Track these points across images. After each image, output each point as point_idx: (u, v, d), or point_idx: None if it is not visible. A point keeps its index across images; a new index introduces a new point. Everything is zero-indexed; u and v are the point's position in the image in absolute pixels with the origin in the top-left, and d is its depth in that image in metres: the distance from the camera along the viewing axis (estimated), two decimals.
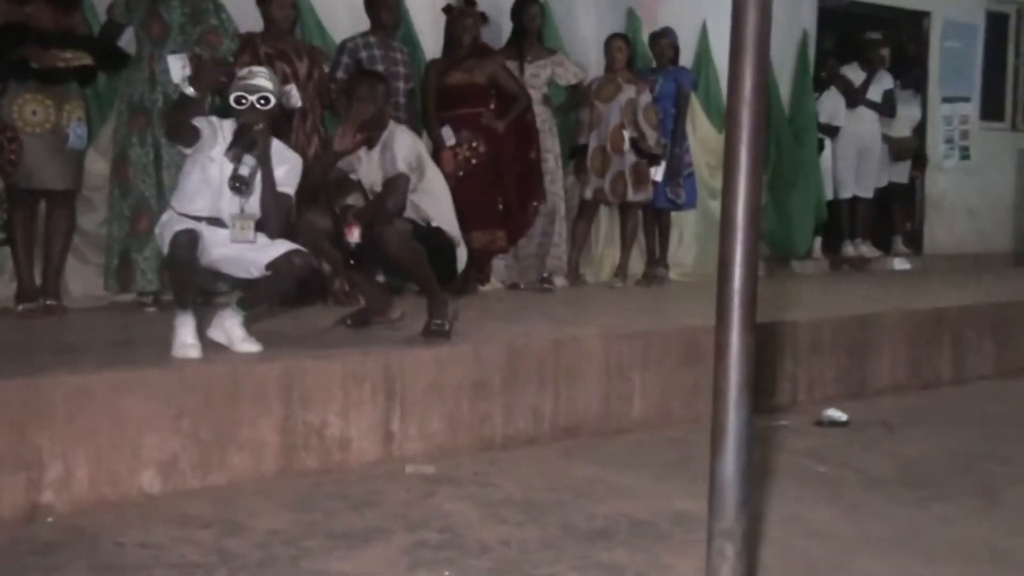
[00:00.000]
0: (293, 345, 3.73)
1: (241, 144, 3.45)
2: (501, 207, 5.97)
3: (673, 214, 7.08)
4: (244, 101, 3.51)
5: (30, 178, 4.60)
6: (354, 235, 3.92)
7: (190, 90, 3.50)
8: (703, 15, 7.42)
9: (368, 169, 4.16)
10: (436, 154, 5.84)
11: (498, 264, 6.34)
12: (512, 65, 6.13)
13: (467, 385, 3.74)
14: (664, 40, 6.91)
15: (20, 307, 4.63)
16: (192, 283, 3.55)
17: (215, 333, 3.58)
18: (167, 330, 3.49)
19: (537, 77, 6.29)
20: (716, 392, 1.90)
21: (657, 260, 7.03)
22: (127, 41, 4.98)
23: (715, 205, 6.87)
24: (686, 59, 7.26)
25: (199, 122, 3.57)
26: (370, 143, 4.09)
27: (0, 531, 2.76)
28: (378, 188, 4.12)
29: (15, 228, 4.65)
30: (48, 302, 4.70)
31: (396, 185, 3.96)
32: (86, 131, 4.76)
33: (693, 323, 4.48)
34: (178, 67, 4.78)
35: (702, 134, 7.36)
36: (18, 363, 3.24)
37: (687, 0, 7.43)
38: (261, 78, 3.57)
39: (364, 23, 5.66)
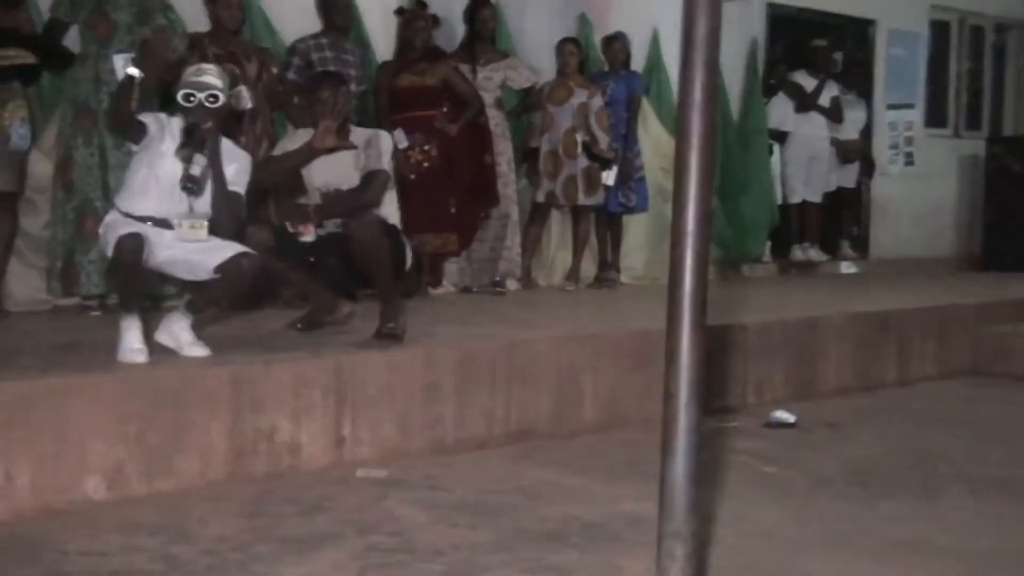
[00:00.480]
0: (242, 349, 3.69)
1: (191, 143, 3.40)
2: (453, 210, 5.97)
3: (625, 217, 7.12)
4: (193, 99, 3.46)
5: None
6: (310, 232, 3.89)
7: (134, 71, 3.44)
8: (654, 21, 7.48)
9: (328, 169, 4.11)
10: None
11: (450, 267, 6.34)
12: (465, 68, 6.14)
13: (419, 388, 3.72)
14: (616, 44, 6.96)
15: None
16: (137, 287, 3.49)
17: (163, 337, 3.53)
18: (113, 334, 3.43)
19: (490, 80, 6.30)
20: (666, 395, 1.91)
21: (609, 264, 7.07)
22: (72, 40, 4.90)
23: (668, 208, 6.89)
24: (637, 64, 7.32)
25: (147, 118, 3.51)
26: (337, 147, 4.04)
27: None
28: (343, 187, 4.08)
29: None
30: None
31: (377, 181, 3.95)
32: (29, 131, 4.67)
33: (644, 326, 4.50)
34: (122, 66, 4.70)
35: (655, 138, 7.42)
36: None
37: (638, 5, 7.48)
38: (210, 75, 3.52)
39: (315, 24, 5.63)
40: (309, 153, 3.98)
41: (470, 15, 6.33)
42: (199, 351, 3.49)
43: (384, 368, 3.66)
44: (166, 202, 3.46)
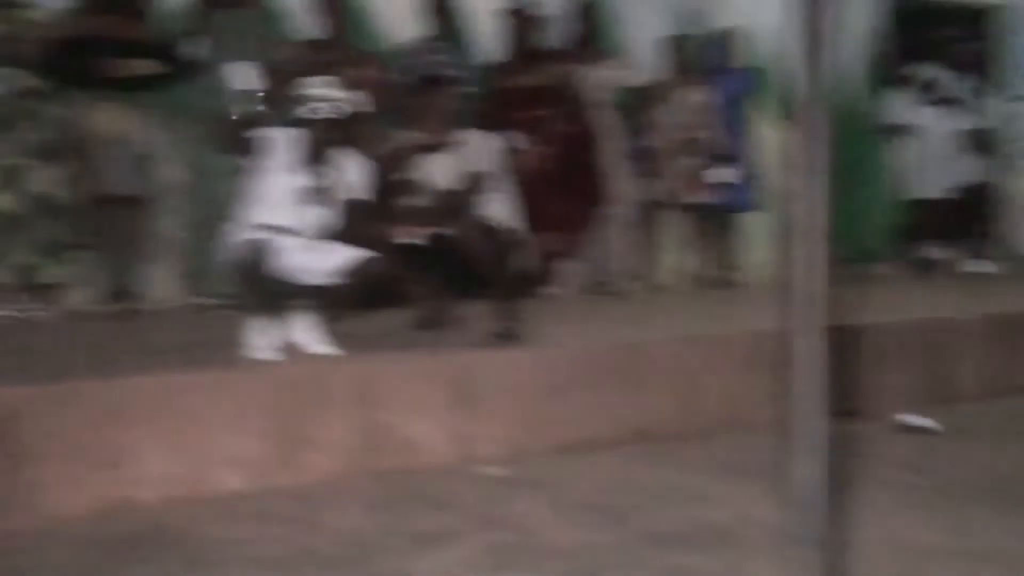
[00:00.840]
0: (367, 347, 3.76)
1: (313, 154, 3.49)
2: (567, 210, 5.97)
3: (739, 216, 7.01)
4: (311, 111, 3.53)
5: (108, 184, 4.73)
6: (416, 235, 3.95)
7: (260, 105, 3.55)
8: (770, 14, 7.28)
9: (436, 171, 4.17)
10: None
11: (563, 268, 6.34)
12: (576, 68, 6.12)
13: (540, 387, 3.74)
14: (729, 40, 6.85)
15: (101, 309, 4.75)
16: (263, 290, 3.60)
17: (290, 336, 3.63)
18: (243, 332, 3.55)
19: (599, 79, 6.27)
20: (791, 397, 1.88)
21: (725, 263, 6.97)
22: (199, 51, 5.07)
23: (784, 207, 6.78)
24: (751, 59, 7.18)
25: (264, 133, 3.60)
26: (442, 148, 4.10)
27: (88, 524, 2.83)
28: (449, 189, 4.13)
29: (97, 232, 4.78)
30: (127, 304, 4.82)
31: (478, 183, 3.98)
32: (161, 137, 4.87)
33: (765, 326, 4.42)
34: (244, 74, 4.86)
35: (769, 135, 7.27)
36: (103, 364, 3.33)
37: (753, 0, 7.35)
38: (324, 88, 3.59)
39: (424, 27, 5.70)
40: (414, 150, 4.10)
41: (581, 14, 6.32)
42: (325, 349, 3.58)
43: (506, 367, 3.69)
44: (289, 211, 3.56)
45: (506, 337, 3.92)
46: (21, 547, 2.67)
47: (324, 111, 3.54)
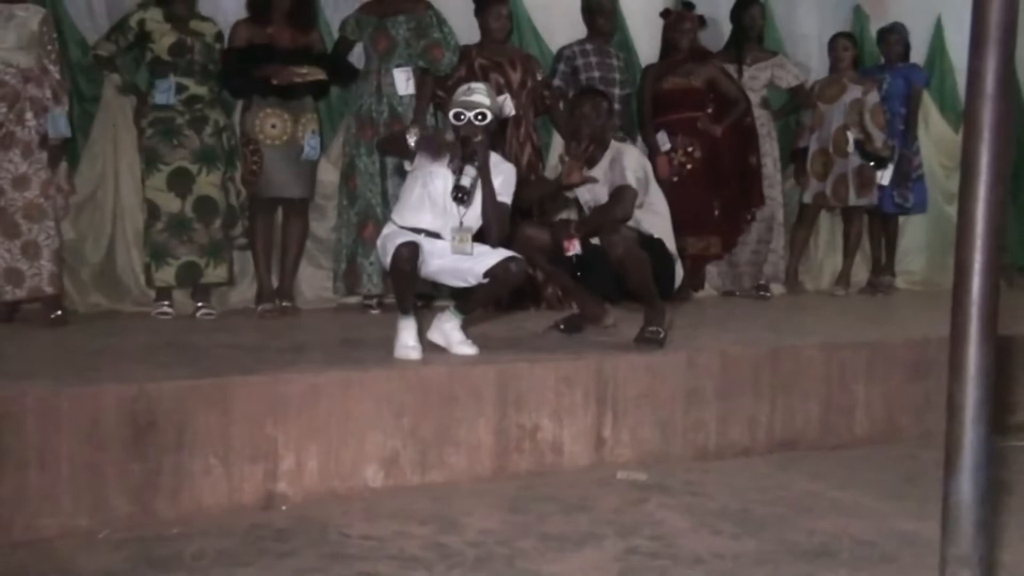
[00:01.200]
0: (508, 348, 3.80)
1: (462, 156, 3.55)
2: (717, 212, 5.89)
3: (901, 219, 6.75)
4: (462, 117, 3.60)
5: (269, 187, 4.92)
6: (575, 247, 3.96)
7: (412, 140, 3.64)
8: (937, 8, 7.03)
9: (588, 185, 4.17)
10: (651, 159, 5.81)
11: (712, 270, 6.25)
12: (731, 68, 6.03)
13: (680, 393, 3.70)
14: (893, 36, 6.60)
15: (259, 308, 4.96)
16: (413, 290, 3.68)
17: (434, 336, 3.71)
18: (390, 332, 3.64)
19: (756, 80, 6.16)
20: (951, 408, 1.79)
21: (883, 268, 6.73)
22: (357, 56, 5.24)
23: (950, 210, 6.50)
24: (917, 55, 6.90)
25: (424, 135, 3.70)
26: (592, 160, 4.10)
27: (241, 516, 2.96)
28: (600, 202, 4.13)
29: (256, 234, 4.99)
30: (283, 303, 5.01)
31: (624, 196, 3.97)
32: (319, 142, 5.04)
33: (924, 334, 4.25)
34: (403, 79, 4.99)
35: (936, 134, 6.98)
36: (257, 361, 3.47)
37: None
38: (479, 94, 3.64)
39: (581, 30, 5.71)
40: (556, 188, 4.16)
41: (737, 14, 6.21)
42: (468, 349, 3.64)
43: (645, 371, 3.66)
44: (439, 215, 3.64)
45: (650, 341, 3.89)
46: (163, 535, 2.81)
47: (475, 117, 3.58)
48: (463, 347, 3.65)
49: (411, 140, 3.63)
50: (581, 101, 4.25)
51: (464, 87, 3.72)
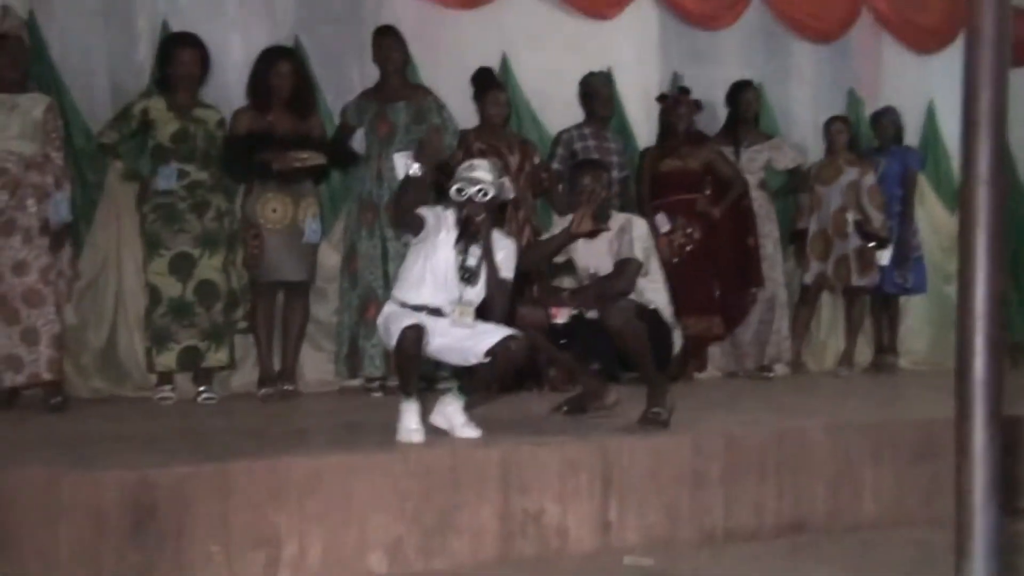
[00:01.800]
0: (511, 431, 3.77)
1: (467, 235, 3.57)
2: (718, 293, 5.91)
3: (902, 299, 6.77)
4: (464, 192, 3.63)
5: (270, 271, 4.95)
6: (562, 315, 3.96)
7: (415, 168, 3.65)
8: (930, 92, 7.16)
9: (588, 254, 4.19)
10: None
11: (715, 351, 6.24)
12: (728, 150, 6.11)
13: (686, 475, 3.65)
14: (886, 119, 6.71)
15: (261, 392, 4.95)
16: (417, 373, 3.66)
17: (437, 420, 3.67)
18: (392, 415, 3.61)
19: (753, 162, 6.23)
20: (959, 491, 1.77)
21: (886, 348, 6.73)
22: (358, 142, 5.31)
23: (950, 290, 6.52)
24: (911, 138, 7.01)
25: (425, 212, 3.71)
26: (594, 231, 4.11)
27: None
28: (600, 272, 4.15)
29: (257, 317, 5.00)
30: (285, 387, 5.00)
31: (629, 269, 3.99)
32: (320, 226, 5.08)
33: (929, 415, 4.22)
34: (402, 164, 5.02)
35: (933, 216, 7.05)
36: (259, 445, 3.45)
37: (912, 77, 7.20)
38: (481, 171, 3.67)
39: (578, 115, 5.80)
40: (567, 238, 4.03)
41: (732, 97, 6.32)
42: (471, 432, 3.61)
43: (650, 454, 3.63)
44: (441, 291, 3.63)
45: (655, 422, 3.87)
46: None
47: (477, 193, 3.60)
48: (466, 430, 3.62)
49: (411, 166, 3.61)
50: (581, 172, 4.28)
51: (466, 163, 3.75)
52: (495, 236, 3.73)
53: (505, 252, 3.71)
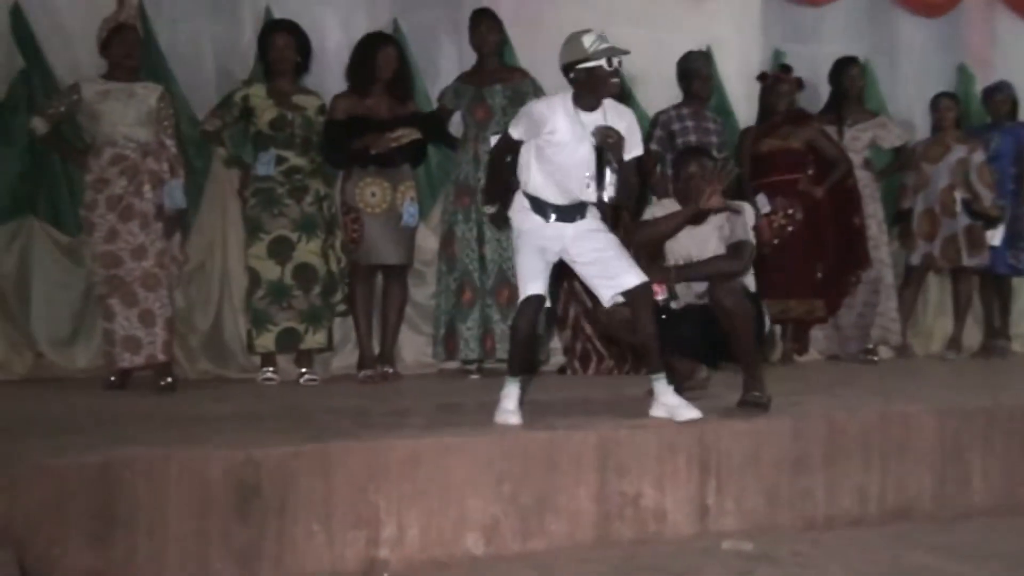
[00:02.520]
0: (608, 413, 3.76)
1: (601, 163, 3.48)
2: (820, 275, 5.78)
3: (1015, 280, 6.52)
4: (617, 61, 3.45)
5: (369, 254, 5.01)
6: (661, 292, 3.91)
7: (489, 209, 3.68)
8: None
9: (689, 238, 4.10)
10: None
11: (817, 334, 6.11)
12: (831, 129, 5.95)
13: (786, 460, 3.59)
14: (999, 95, 6.46)
15: (361, 374, 5.03)
16: (528, 352, 3.64)
17: (657, 411, 3.62)
18: (490, 397, 3.64)
19: (857, 140, 6.07)
20: None
21: (997, 331, 6.50)
22: (455, 126, 5.34)
23: None
24: None
25: (525, 118, 3.60)
26: (698, 218, 4.03)
27: None
28: (699, 258, 4.06)
29: (356, 300, 5.07)
30: (385, 369, 5.07)
31: (745, 251, 3.93)
32: (418, 210, 5.12)
33: None
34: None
35: None
36: (360, 427, 3.51)
37: None
38: (611, 40, 3.48)
39: (678, 95, 5.72)
40: (692, 212, 3.92)
41: (836, 74, 6.15)
42: (691, 413, 3.55)
43: (749, 438, 3.57)
44: (572, 188, 3.54)
45: (755, 406, 3.80)
46: None
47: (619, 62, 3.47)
48: (685, 411, 3.55)
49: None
50: (686, 162, 4.20)
51: (592, 36, 3.48)
52: (610, 104, 3.57)
53: (627, 123, 3.57)
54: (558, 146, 3.51)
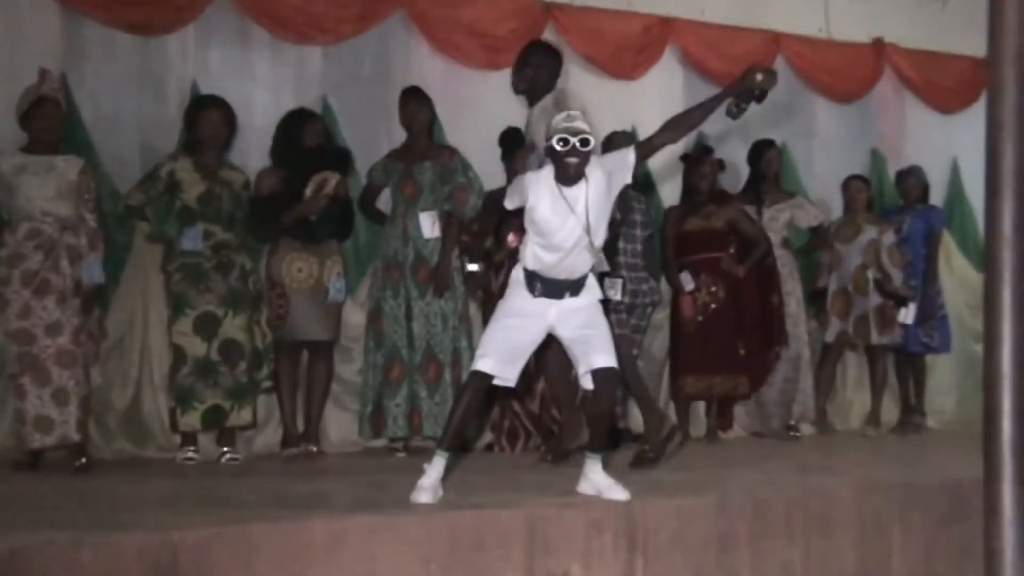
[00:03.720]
0: (536, 491, 3.74)
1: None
2: (742, 352, 5.88)
3: (928, 358, 6.71)
4: (568, 143, 3.42)
5: (295, 330, 4.97)
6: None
7: (473, 267, 3.69)
8: (954, 151, 7.18)
9: None
10: (675, 299, 5.85)
11: (740, 411, 6.19)
12: (751, 209, 6.12)
13: (712, 537, 3.60)
14: (911, 179, 6.72)
15: (285, 452, 4.94)
16: (461, 425, 3.58)
17: (584, 487, 3.60)
18: (416, 476, 3.59)
19: (776, 220, 6.24)
20: (988, 553, 1.75)
21: (913, 407, 6.65)
22: (384, 202, 5.36)
23: (978, 348, 6.45)
24: (936, 197, 7.00)
25: (517, 188, 3.59)
26: None
27: None
28: None
29: (281, 377, 5.00)
30: (309, 447, 4.98)
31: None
32: (344, 285, 5.10)
33: (957, 476, 4.15)
34: (428, 223, 5.08)
35: (959, 274, 7.03)
36: (283, 507, 3.43)
37: (935, 136, 7.22)
38: (579, 121, 3.49)
39: None
40: None
41: (754, 156, 6.34)
42: (619, 494, 3.50)
43: (675, 514, 3.58)
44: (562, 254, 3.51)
45: (645, 462, 3.83)
46: None
47: (581, 141, 3.43)
48: (614, 492, 3.51)
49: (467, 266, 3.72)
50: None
51: (563, 114, 3.54)
52: (594, 163, 3.52)
53: (611, 165, 3.53)
54: (542, 219, 3.51)
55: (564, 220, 3.47)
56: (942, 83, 7.32)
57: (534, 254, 3.54)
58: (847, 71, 7.08)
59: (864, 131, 7.18)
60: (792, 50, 6.92)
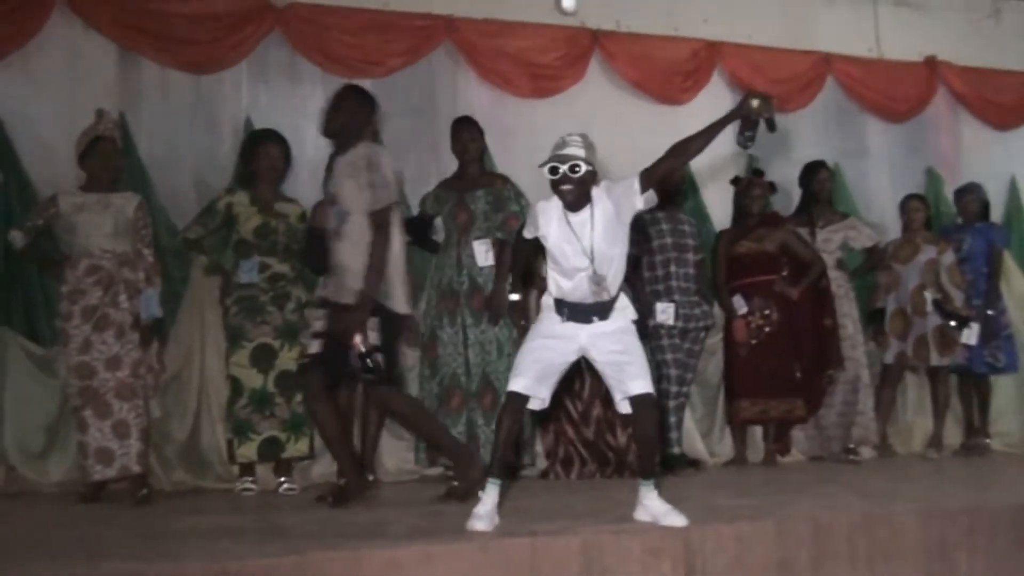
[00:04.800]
0: (592, 518, 3.71)
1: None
2: (798, 375, 5.81)
3: (993, 379, 6.56)
4: (557, 171, 3.48)
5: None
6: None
7: (514, 296, 3.84)
8: (1011, 168, 7.05)
9: None
10: (728, 322, 5.81)
11: (799, 435, 6.10)
12: (803, 231, 6.06)
13: (771, 563, 3.54)
14: (970, 196, 6.61)
15: (341, 482, 4.94)
16: (507, 446, 3.59)
17: (640, 514, 3.59)
18: (471, 503, 3.59)
19: (830, 242, 6.17)
20: None
21: (977, 429, 6.50)
22: (437, 231, 5.38)
23: None
24: (994, 215, 6.87)
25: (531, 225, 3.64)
26: None
27: None
28: None
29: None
30: (367, 476, 4.99)
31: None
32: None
33: None
34: (482, 251, 5.09)
35: (1019, 292, 6.86)
36: (339, 536, 3.44)
37: (993, 153, 7.10)
38: (572, 147, 3.52)
39: (654, 198, 5.79)
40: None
41: (806, 178, 6.29)
42: (677, 520, 3.48)
43: (734, 540, 3.53)
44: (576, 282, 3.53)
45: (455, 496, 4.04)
46: None
47: (572, 168, 3.48)
48: (671, 517, 3.49)
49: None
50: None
51: (559, 140, 3.58)
52: (603, 189, 3.54)
53: (619, 191, 3.51)
54: (553, 247, 3.56)
55: (573, 246, 3.51)
56: (997, 100, 7.22)
57: (554, 281, 3.59)
58: (899, 90, 7.02)
59: (919, 150, 7.09)
60: (843, 70, 6.89)
